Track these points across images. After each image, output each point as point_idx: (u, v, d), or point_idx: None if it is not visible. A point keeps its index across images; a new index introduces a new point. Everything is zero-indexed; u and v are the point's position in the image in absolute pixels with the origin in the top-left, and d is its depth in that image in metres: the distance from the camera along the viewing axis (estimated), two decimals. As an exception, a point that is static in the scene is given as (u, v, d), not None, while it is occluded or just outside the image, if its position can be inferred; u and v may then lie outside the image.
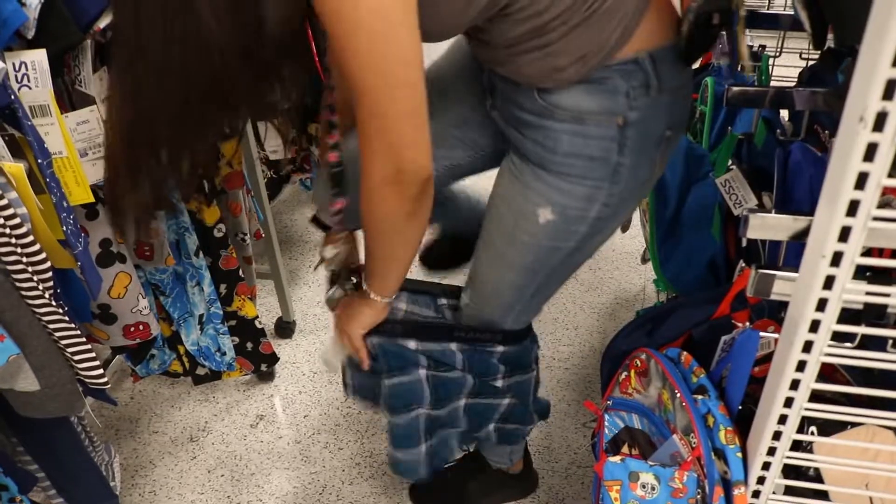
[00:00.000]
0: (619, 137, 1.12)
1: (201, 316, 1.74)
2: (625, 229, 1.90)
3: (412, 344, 1.37)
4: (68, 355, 1.13)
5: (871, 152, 0.69)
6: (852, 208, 0.74)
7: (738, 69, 1.73)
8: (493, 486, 1.80)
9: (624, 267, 2.55)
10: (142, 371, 1.78)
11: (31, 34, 1.07)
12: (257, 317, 1.89)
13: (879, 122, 0.67)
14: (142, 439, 2.03)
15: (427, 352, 1.38)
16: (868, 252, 1.11)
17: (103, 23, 1.15)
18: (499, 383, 1.46)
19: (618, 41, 1.06)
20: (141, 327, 1.49)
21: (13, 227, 0.99)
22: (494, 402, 1.48)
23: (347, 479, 1.88)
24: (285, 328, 2.33)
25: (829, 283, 0.80)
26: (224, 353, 1.83)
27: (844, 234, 0.76)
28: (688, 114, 1.24)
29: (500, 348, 1.43)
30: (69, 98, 1.25)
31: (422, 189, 1.06)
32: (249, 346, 1.92)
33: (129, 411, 2.12)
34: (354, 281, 1.46)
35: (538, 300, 1.40)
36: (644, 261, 2.34)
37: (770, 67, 1.84)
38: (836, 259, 0.78)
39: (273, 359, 2.00)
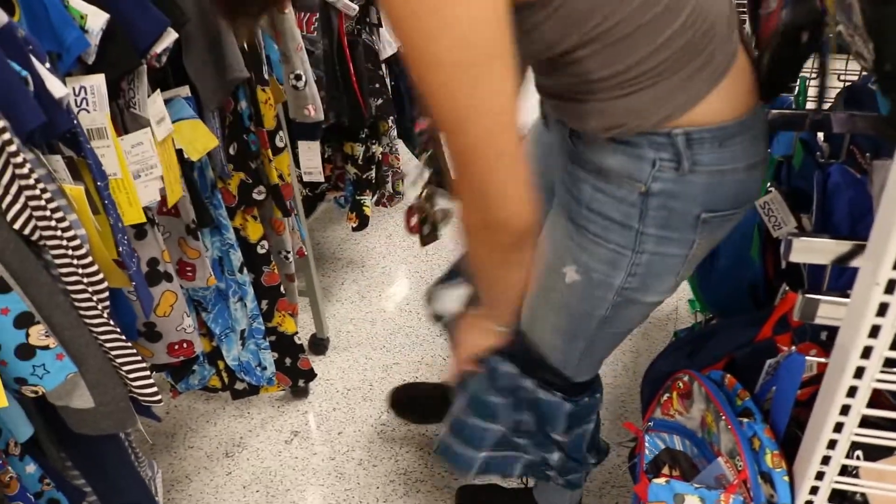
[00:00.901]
0: (640, 205, 1.04)
1: (243, 331, 1.77)
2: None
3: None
4: (123, 373, 1.15)
5: (928, 182, 0.70)
6: (908, 236, 0.74)
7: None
8: None
9: (656, 286, 2.55)
10: (181, 387, 1.81)
11: (91, 60, 1.11)
12: (296, 333, 1.91)
13: (938, 153, 0.68)
14: (178, 454, 2.06)
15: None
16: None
17: (160, 48, 1.18)
18: (556, 436, 1.39)
19: (666, 117, 0.99)
20: (185, 345, 1.51)
21: (74, 248, 1.01)
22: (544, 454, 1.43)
23: (382, 497, 1.89)
24: (319, 344, 2.36)
25: (882, 309, 0.80)
26: (265, 368, 1.85)
27: (900, 262, 0.76)
28: (747, 195, 1.13)
29: (567, 406, 1.34)
30: (122, 121, 1.28)
31: (518, 239, 0.95)
32: (288, 361, 1.95)
33: (165, 426, 2.15)
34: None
35: (588, 362, 1.32)
36: (677, 280, 2.34)
37: (807, 88, 1.84)
38: (891, 286, 0.78)
39: (311, 375, 2.02)
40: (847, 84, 1.73)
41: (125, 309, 1.32)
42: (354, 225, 2.40)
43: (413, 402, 2.08)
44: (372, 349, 2.38)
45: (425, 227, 1.34)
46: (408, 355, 2.34)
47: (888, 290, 0.78)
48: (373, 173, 2.34)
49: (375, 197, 2.46)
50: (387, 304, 2.58)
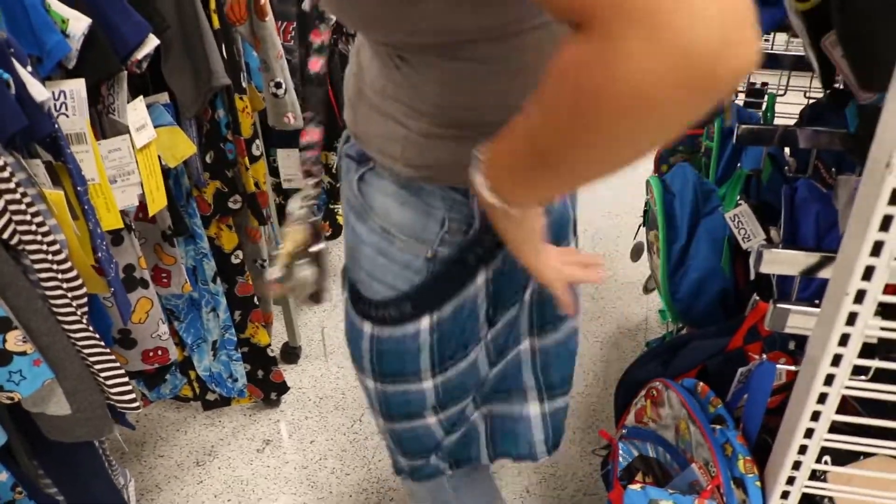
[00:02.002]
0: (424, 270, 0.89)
1: (215, 342, 1.76)
2: (635, 259, 1.93)
3: None
4: (101, 380, 1.14)
5: (896, 196, 0.73)
6: (876, 249, 0.77)
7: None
8: None
9: (626, 297, 2.58)
10: (153, 396, 1.79)
11: (72, 64, 1.11)
12: (269, 345, 1.91)
13: (905, 167, 0.71)
14: (147, 463, 2.04)
15: None
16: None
17: (141, 54, 1.18)
18: None
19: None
20: (160, 352, 1.50)
21: (54, 254, 1.01)
22: None
23: (355, 505, 1.89)
24: (291, 353, 2.35)
25: (851, 319, 0.83)
26: (236, 380, 1.85)
27: (868, 273, 0.79)
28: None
29: None
30: (101, 126, 1.27)
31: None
32: (260, 373, 1.94)
33: (135, 435, 2.12)
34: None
35: None
36: (646, 291, 2.38)
37: (774, 104, 1.89)
38: (859, 296, 0.81)
39: (283, 388, 2.02)
40: (811, 101, 1.78)
41: (100, 315, 1.31)
42: (327, 233, 2.40)
43: None
44: (344, 358, 2.38)
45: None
46: (380, 364, 2.35)
47: (857, 300, 0.81)
48: None
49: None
50: (359, 313, 2.58)
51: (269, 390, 2.00)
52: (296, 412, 2.18)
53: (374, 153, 0.86)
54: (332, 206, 2.38)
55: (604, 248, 2.82)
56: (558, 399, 1.17)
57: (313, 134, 0.97)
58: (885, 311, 0.85)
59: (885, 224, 0.75)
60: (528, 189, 0.70)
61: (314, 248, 0.93)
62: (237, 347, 1.81)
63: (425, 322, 0.93)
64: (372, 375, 1.02)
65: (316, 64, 0.96)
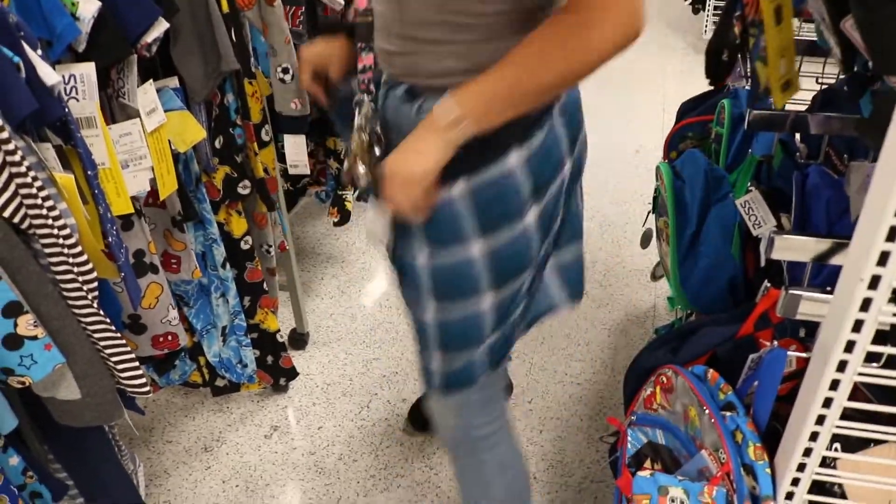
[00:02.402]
0: None
1: (224, 328, 1.76)
2: (644, 245, 1.93)
3: None
4: (111, 364, 1.15)
5: (913, 182, 0.72)
6: (892, 234, 0.77)
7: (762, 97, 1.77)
8: None
9: (634, 284, 2.57)
10: (162, 382, 1.80)
11: (82, 48, 1.10)
12: (279, 330, 1.91)
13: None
14: (156, 448, 2.05)
15: None
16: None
17: (150, 37, 1.18)
18: None
19: None
20: (170, 337, 1.51)
21: (64, 238, 1.01)
22: None
23: (362, 492, 1.89)
24: (299, 339, 2.35)
25: (865, 305, 0.83)
26: (245, 366, 1.85)
27: (883, 259, 0.79)
28: None
29: None
30: (110, 110, 1.27)
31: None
32: (270, 359, 1.94)
33: (143, 420, 2.13)
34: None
35: None
36: (654, 278, 2.37)
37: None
38: (874, 282, 0.81)
39: (292, 373, 2.02)
40: (823, 87, 1.77)
41: (110, 300, 1.31)
42: (336, 220, 2.39)
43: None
44: (352, 344, 2.38)
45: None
46: (388, 350, 2.35)
47: (871, 286, 0.81)
48: None
49: (357, 192, 2.47)
50: (367, 299, 2.58)
51: (278, 376, 2.00)
52: (303, 398, 2.18)
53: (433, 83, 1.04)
54: (339, 193, 2.37)
55: (612, 235, 2.82)
56: (563, 251, 1.26)
57: (367, 59, 1.10)
58: (898, 297, 0.84)
59: (901, 210, 0.75)
60: (494, 115, 0.97)
61: (376, 151, 1.10)
62: (247, 333, 1.81)
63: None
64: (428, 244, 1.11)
65: (363, 1, 1.09)
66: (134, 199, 1.30)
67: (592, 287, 2.55)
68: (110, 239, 1.14)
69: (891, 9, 0.77)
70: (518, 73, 0.96)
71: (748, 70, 1.42)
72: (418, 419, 2.06)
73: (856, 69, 1.23)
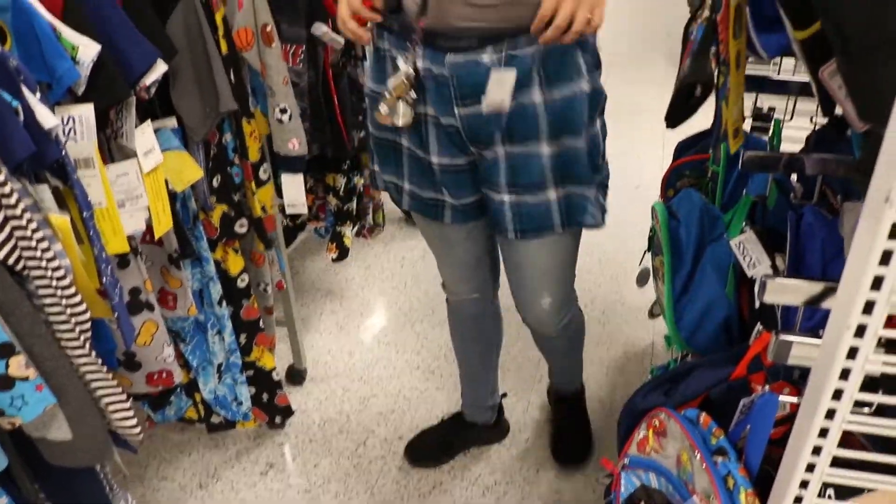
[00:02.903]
0: None
1: (220, 365, 1.76)
2: (641, 284, 1.93)
3: None
4: (103, 406, 1.15)
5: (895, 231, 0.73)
6: (876, 283, 0.77)
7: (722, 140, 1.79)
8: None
9: (632, 321, 2.57)
10: (158, 418, 1.79)
11: (81, 90, 1.12)
12: (275, 368, 1.91)
13: (904, 202, 0.71)
14: (150, 485, 2.04)
15: None
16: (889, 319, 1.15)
17: (149, 80, 1.19)
18: None
19: None
20: (164, 375, 1.51)
21: (58, 279, 1.02)
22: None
23: (357, 530, 1.88)
24: (297, 375, 2.35)
25: (852, 353, 0.83)
26: (240, 403, 1.85)
27: (868, 308, 0.79)
28: None
29: None
30: (109, 150, 1.29)
31: None
32: (265, 397, 1.94)
33: (138, 457, 2.12)
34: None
35: None
36: (652, 315, 2.37)
37: (781, 130, 1.89)
38: (860, 330, 0.81)
39: (288, 411, 2.02)
40: (818, 126, 1.78)
41: (106, 337, 1.32)
42: (334, 255, 2.40)
43: (433, 447, 2.11)
44: (349, 381, 2.38)
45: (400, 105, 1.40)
46: (385, 388, 2.34)
47: (858, 334, 0.81)
48: (353, 204, 2.36)
49: (356, 228, 2.48)
50: (365, 335, 2.58)
51: (273, 414, 2.00)
52: (300, 435, 2.17)
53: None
54: (338, 229, 2.38)
55: (611, 271, 2.82)
56: (525, 194, 1.46)
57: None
58: (889, 345, 0.84)
59: (886, 258, 0.75)
60: None
61: (411, 94, 1.36)
62: (242, 370, 1.81)
63: None
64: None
65: None
66: (130, 237, 1.31)
67: (591, 324, 2.55)
68: (105, 279, 1.15)
69: (871, 57, 0.78)
70: None
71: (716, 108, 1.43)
72: (418, 453, 2.07)
73: (838, 113, 1.25)
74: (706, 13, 1.23)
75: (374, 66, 1.45)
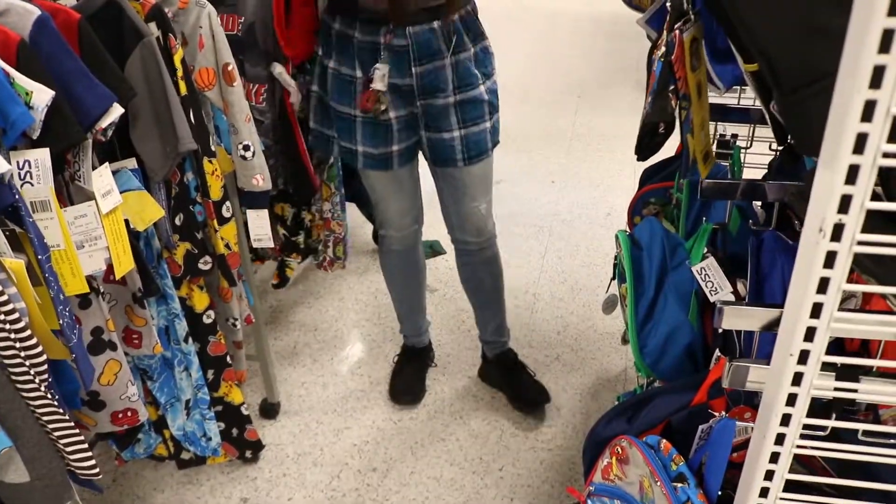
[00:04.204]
0: None
1: (188, 401, 1.75)
2: (607, 312, 1.94)
3: None
4: (60, 447, 1.14)
5: (830, 260, 0.74)
6: (816, 310, 0.78)
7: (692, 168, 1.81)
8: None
9: (605, 348, 2.58)
10: (126, 455, 1.78)
11: (36, 135, 1.12)
12: (244, 403, 1.90)
13: (837, 232, 0.72)
14: (123, 524, 2.01)
15: None
16: (840, 342, 1.17)
17: (105, 122, 1.20)
18: None
19: None
20: (129, 413, 1.50)
21: (12, 322, 1.02)
22: None
23: (331, 566, 1.87)
24: (270, 409, 2.34)
25: (797, 379, 0.84)
26: (210, 439, 1.84)
27: (810, 335, 0.80)
28: None
29: None
30: (67, 192, 1.29)
31: None
32: (235, 431, 1.93)
33: (112, 495, 2.10)
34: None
35: None
36: (624, 341, 2.38)
37: (742, 157, 1.92)
38: (804, 357, 0.82)
39: (258, 446, 2.00)
40: (777, 152, 1.81)
41: (68, 377, 1.31)
42: (275, 283, 2.50)
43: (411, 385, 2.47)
44: (323, 413, 2.37)
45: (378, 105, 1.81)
46: (359, 419, 2.34)
47: (801, 361, 0.82)
48: (301, 238, 2.39)
49: (319, 260, 2.52)
50: (339, 367, 2.57)
51: (243, 449, 1.98)
52: (274, 469, 2.16)
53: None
54: (284, 259, 2.43)
55: (583, 298, 2.83)
56: (471, 127, 1.91)
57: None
58: (839, 368, 0.86)
59: (823, 286, 0.77)
60: None
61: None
62: (210, 406, 1.80)
63: None
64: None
65: None
66: (91, 278, 1.31)
67: (564, 351, 2.56)
68: (62, 321, 1.15)
69: (802, 94, 0.81)
70: None
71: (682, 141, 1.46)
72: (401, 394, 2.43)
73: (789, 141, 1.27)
74: (663, 49, 1.25)
75: (337, 48, 1.81)
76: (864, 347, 1.28)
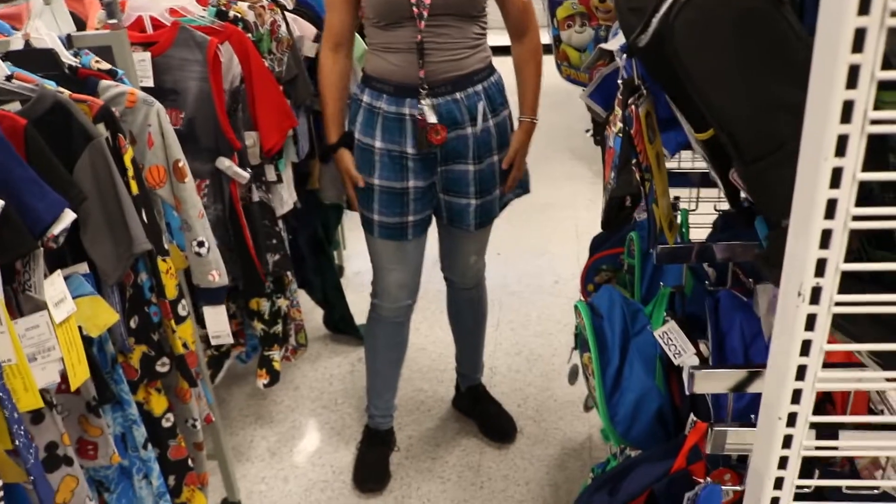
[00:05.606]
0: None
1: (148, 511, 1.67)
2: (572, 382, 1.94)
3: None
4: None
5: (811, 322, 0.76)
6: (801, 373, 0.79)
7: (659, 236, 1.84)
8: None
9: (568, 416, 2.57)
10: (84, 575, 1.67)
11: (-16, 247, 1.08)
12: (206, 506, 1.82)
13: (815, 295, 0.74)
14: None
15: None
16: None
17: (57, 229, 1.17)
18: None
19: None
20: (88, 531, 1.42)
21: (-32, 448, 0.96)
22: None
23: None
24: (230, 510, 2.25)
25: (787, 441, 0.85)
26: (173, 549, 1.75)
27: (797, 397, 0.81)
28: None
29: None
30: (17, 302, 1.24)
31: None
32: (199, 536, 1.84)
33: None
34: None
35: None
36: (587, 408, 2.37)
37: (688, 219, 1.96)
38: (791, 419, 0.83)
39: (223, 549, 1.91)
40: (721, 212, 1.86)
41: (22, 499, 1.24)
42: (265, 381, 2.33)
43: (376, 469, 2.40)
44: (286, 509, 2.28)
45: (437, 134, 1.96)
46: (324, 512, 2.26)
47: (790, 423, 0.83)
48: (279, 327, 2.31)
49: (281, 351, 2.43)
50: (299, 458, 2.50)
51: (208, 555, 1.89)
52: (238, 574, 2.06)
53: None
54: (266, 353, 2.33)
55: (539, 368, 2.83)
56: (486, 196, 2.06)
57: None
58: (818, 426, 0.87)
59: (805, 349, 0.78)
60: None
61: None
62: (172, 515, 1.72)
63: None
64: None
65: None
66: (44, 390, 1.25)
67: (526, 423, 2.54)
68: (18, 441, 1.09)
69: (765, 163, 0.83)
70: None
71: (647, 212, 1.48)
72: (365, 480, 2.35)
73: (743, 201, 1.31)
74: (619, 125, 1.28)
75: (366, 122, 1.95)
76: (827, 397, 1.31)
